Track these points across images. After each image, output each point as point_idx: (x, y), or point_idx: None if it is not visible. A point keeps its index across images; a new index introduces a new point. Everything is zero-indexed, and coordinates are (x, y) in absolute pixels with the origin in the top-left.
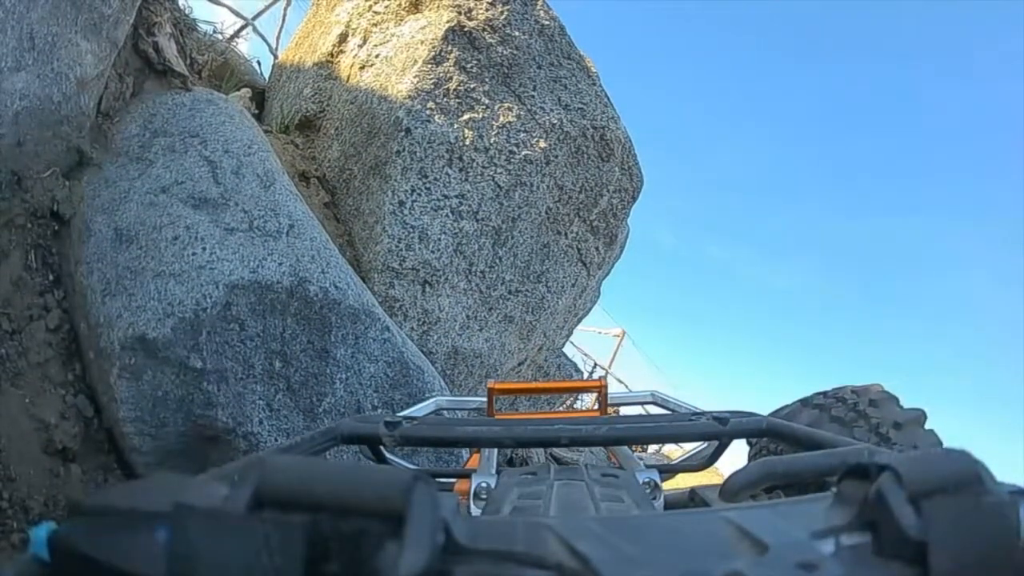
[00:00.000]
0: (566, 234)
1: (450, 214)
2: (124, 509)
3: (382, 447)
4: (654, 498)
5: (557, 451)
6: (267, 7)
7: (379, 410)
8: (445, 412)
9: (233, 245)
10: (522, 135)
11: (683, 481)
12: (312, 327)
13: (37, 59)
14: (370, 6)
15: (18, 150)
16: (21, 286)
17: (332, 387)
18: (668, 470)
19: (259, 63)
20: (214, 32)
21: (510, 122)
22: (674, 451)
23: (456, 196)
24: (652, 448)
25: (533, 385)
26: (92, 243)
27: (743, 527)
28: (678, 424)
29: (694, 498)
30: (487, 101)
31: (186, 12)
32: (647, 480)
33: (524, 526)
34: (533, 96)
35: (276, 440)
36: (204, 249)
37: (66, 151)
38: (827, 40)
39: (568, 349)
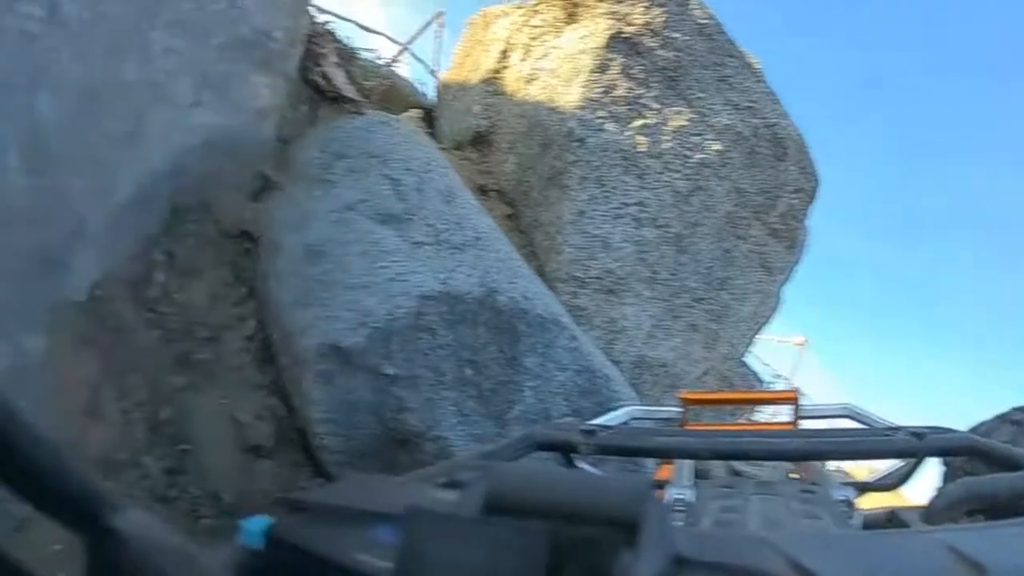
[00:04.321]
0: (746, 238)
1: (631, 222)
2: (351, 508)
3: (573, 454)
4: (850, 516)
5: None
6: (420, 31)
7: (567, 418)
8: (637, 422)
9: (421, 258)
10: (695, 138)
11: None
12: (502, 336)
13: (214, 95)
14: (526, 21)
15: (207, 178)
16: (218, 299)
17: (522, 395)
18: (864, 488)
19: (421, 84)
20: (376, 59)
21: (682, 126)
22: (856, 466)
23: (635, 203)
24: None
25: (727, 395)
26: (282, 259)
27: (959, 549)
28: (873, 440)
29: (892, 519)
30: (656, 106)
31: (346, 42)
32: (843, 497)
33: (748, 541)
34: (702, 98)
35: (467, 445)
36: (393, 262)
37: (251, 176)
38: None
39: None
